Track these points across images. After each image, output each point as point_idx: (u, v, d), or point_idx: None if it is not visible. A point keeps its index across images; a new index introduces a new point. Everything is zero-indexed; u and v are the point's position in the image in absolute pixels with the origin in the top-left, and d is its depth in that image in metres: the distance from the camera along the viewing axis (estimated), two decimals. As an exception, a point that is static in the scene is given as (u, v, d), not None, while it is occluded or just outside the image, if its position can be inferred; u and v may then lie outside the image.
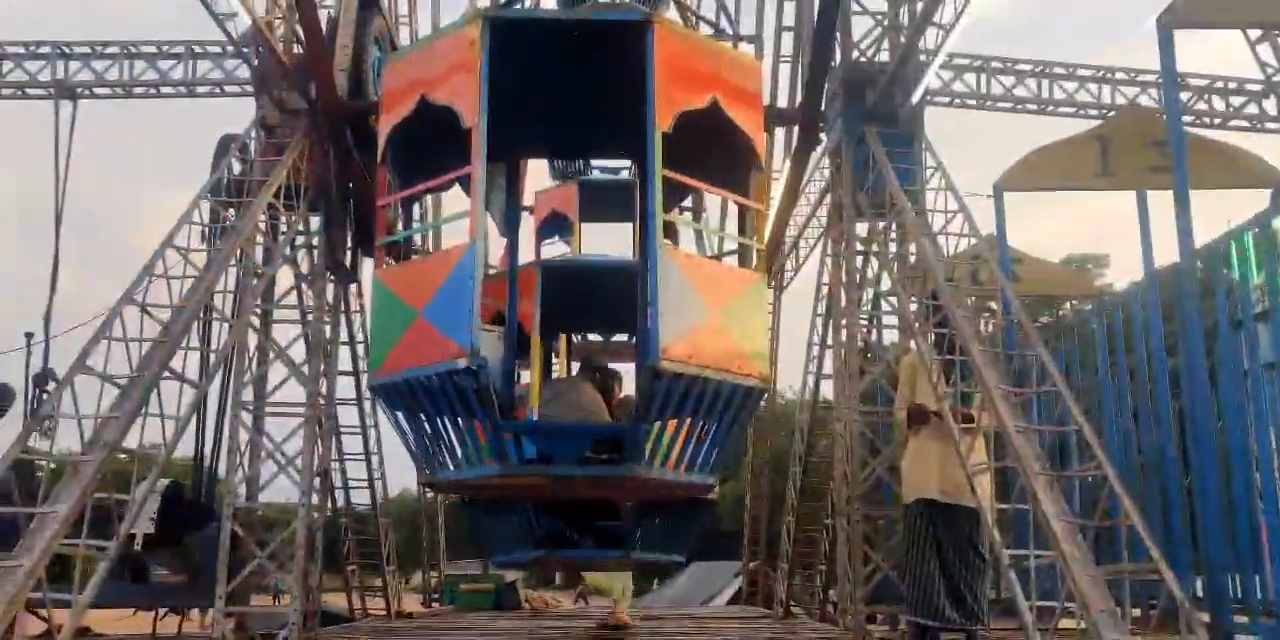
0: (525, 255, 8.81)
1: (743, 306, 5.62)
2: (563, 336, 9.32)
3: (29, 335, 7.38)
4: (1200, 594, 5.60)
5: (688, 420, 5.44)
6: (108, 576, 4.90)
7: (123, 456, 5.16)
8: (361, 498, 10.67)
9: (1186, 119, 11.31)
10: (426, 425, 5.55)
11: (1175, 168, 5.77)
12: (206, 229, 6.39)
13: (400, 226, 6.14)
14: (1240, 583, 5.50)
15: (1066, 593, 4.46)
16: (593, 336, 10.00)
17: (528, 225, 9.29)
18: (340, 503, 10.20)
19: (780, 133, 9.77)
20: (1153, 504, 5.86)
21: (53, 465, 5.06)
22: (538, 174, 11.37)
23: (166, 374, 5.36)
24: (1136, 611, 5.35)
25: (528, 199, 9.38)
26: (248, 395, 7.53)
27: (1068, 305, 12.13)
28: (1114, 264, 32.39)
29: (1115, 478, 4.75)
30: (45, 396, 7.00)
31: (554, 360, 9.16)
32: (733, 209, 8.11)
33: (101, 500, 4.81)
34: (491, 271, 7.25)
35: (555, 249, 10.78)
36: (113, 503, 4.87)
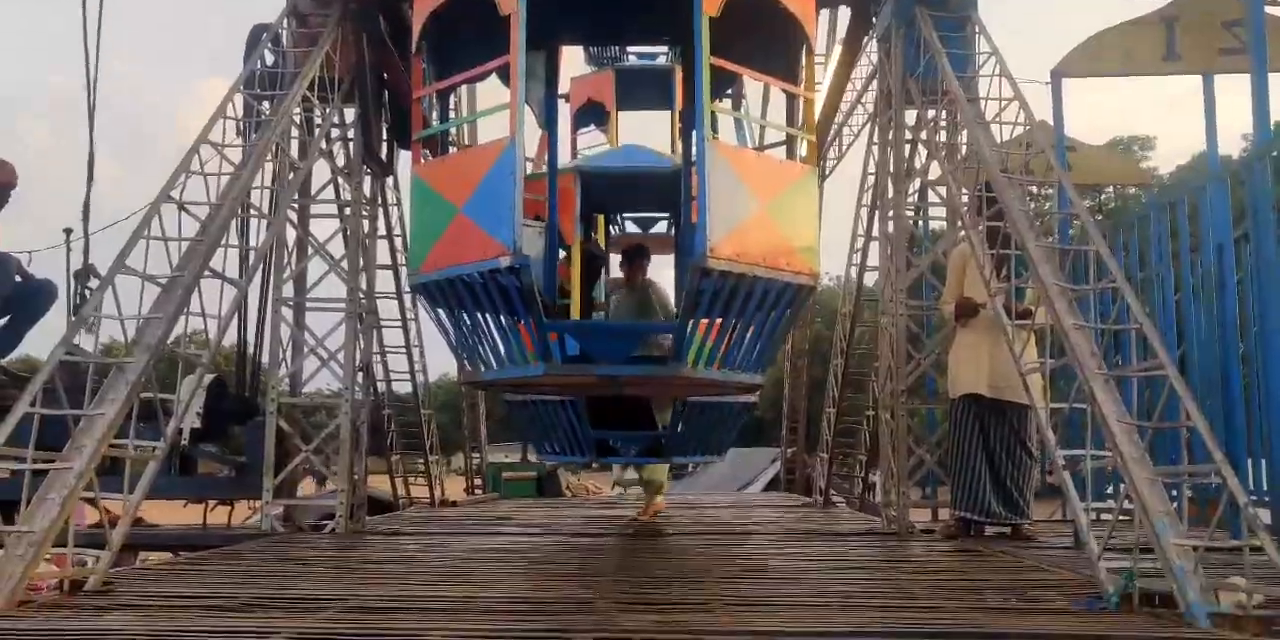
0: (562, 145, 8.64)
1: (792, 200, 5.45)
2: (601, 229, 9.19)
3: (68, 231, 7.33)
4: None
5: (735, 319, 5.33)
6: (159, 470, 4.94)
7: (168, 355, 5.14)
8: (404, 389, 10.80)
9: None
10: (468, 323, 5.48)
11: (1253, 48, 5.42)
12: (241, 123, 6.23)
13: (437, 120, 5.94)
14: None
15: (1123, 495, 4.38)
16: (632, 228, 9.84)
17: (564, 115, 9.07)
18: (384, 398, 10.32)
19: (824, 16, 9.39)
20: (1214, 406, 5.72)
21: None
22: (572, 62, 11.06)
23: (207, 273, 5.28)
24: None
25: (563, 87, 9.13)
26: (288, 291, 7.51)
27: (1109, 190, 11.80)
28: (1160, 146, 31.46)
29: (1176, 377, 4.59)
30: (87, 293, 6.98)
31: (600, 255, 9.04)
32: (775, 97, 7.85)
33: (148, 399, 4.80)
34: (530, 172, 7.12)
35: (591, 138, 10.56)
36: (159, 402, 4.86)
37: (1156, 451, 5.31)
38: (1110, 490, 5.69)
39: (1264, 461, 5.47)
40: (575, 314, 6.81)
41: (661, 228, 9.44)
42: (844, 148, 12.96)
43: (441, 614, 3.75)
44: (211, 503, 8.04)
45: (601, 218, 9.06)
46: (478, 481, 14.08)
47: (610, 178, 7.27)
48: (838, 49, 8.95)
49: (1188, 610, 3.72)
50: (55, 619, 3.63)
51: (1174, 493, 4.65)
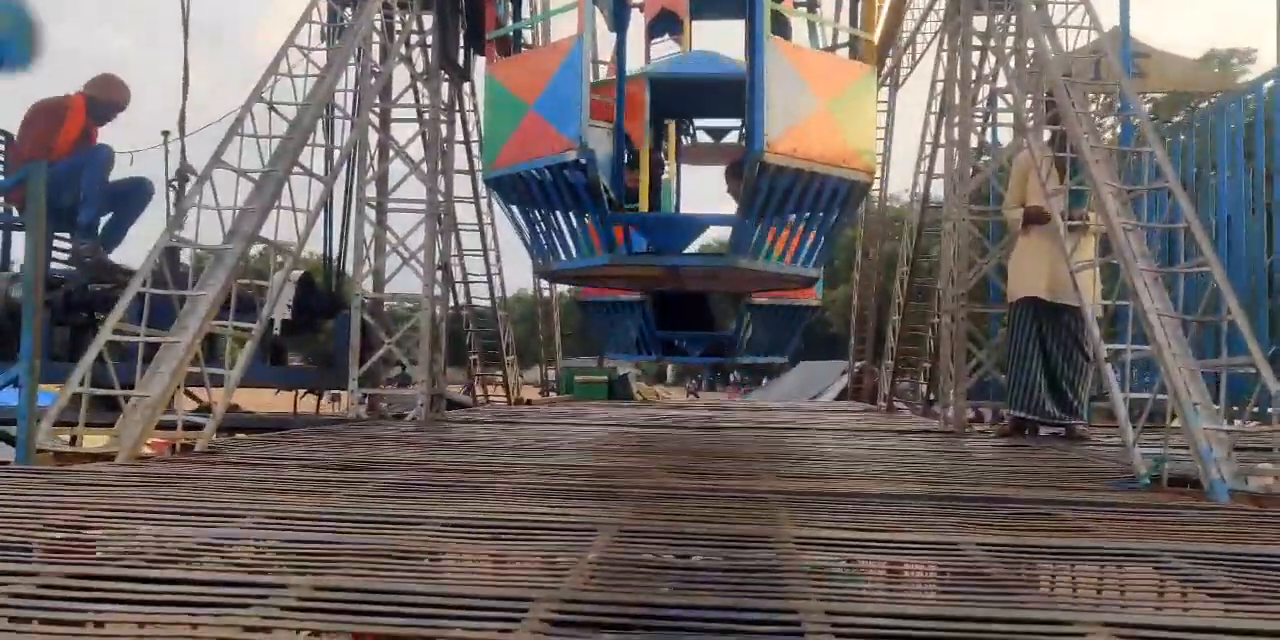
0: (635, 55, 8.73)
1: (851, 99, 5.58)
2: (671, 138, 9.34)
3: (165, 133, 7.73)
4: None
5: (792, 213, 5.53)
6: (252, 359, 5.37)
7: (260, 248, 5.53)
8: (480, 292, 11.19)
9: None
10: (540, 217, 5.77)
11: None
12: (325, 28, 6.52)
13: (510, 21, 6.16)
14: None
15: (1159, 385, 4.55)
16: (704, 138, 9.96)
17: (639, 23, 9.14)
18: (460, 298, 10.72)
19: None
20: (1260, 304, 5.80)
21: (197, 253, 5.46)
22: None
23: (296, 169, 5.63)
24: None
25: (637, -1, 9.19)
26: (370, 192, 7.87)
27: (1206, 104, 11.54)
28: (1261, 57, 30.14)
29: (1221, 274, 4.72)
30: (183, 190, 7.43)
31: (663, 163, 9.22)
32: (846, 3, 7.85)
33: (244, 286, 5.21)
34: (602, 77, 7.26)
35: (666, 48, 10.61)
36: (254, 288, 5.28)
37: (1207, 351, 5.44)
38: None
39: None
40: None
41: (733, 138, 9.54)
42: (917, 56, 12.83)
43: (511, 474, 4.14)
44: (300, 391, 8.57)
45: (672, 127, 9.20)
46: (553, 387, 14.57)
47: (679, 84, 7.38)
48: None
49: (1210, 489, 3.93)
50: (171, 467, 4.10)
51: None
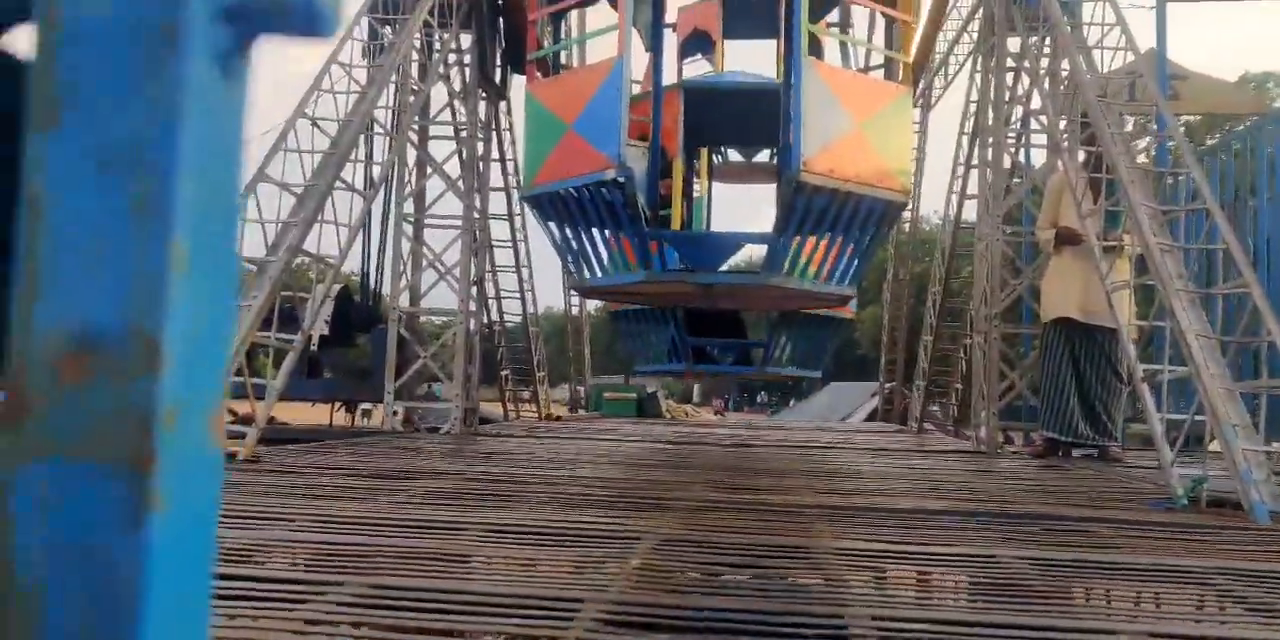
0: (669, 74, 8.81)
1: (886, 120, 5.63)
2: (704, 157, 9.41)
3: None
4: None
5: (828, 232, 5.57)
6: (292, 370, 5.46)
7: (302, 261, 5.62)
8: (512, 308, 11.27)
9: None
10: (576, 234, 5.84)
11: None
12: (367, 46, 6.65)
13: (549, 43, 6.27)
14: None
15: (1197, 406, 4.53)
16: (735, 156, 10.03)
17: (671, 43, 9.24)
18: (494, 313, 10.80)
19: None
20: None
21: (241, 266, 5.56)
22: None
23: (338, 184, 5.73)
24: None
25: (670, 17, 9.29)
26: (408, 208, 7.98)
27: (1242, 127, 11.49)
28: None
29: (1261, 295, 4.70)
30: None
31: (695, 180, 9.29)
32: (881, 25, 7.92)
33: (287, 297, 5.31)
34: (637, 93, 7.33)
35: (698, 67, 10.70)
36: (296, 300, 5.37)
37: (1245, 374, 5.43)
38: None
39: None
40: (676, 226, 7.10)
41: (764, 157, 9.60)
42: (950, 77, 12.87)
43: (549, 485, 4.18)
44: (337, 404, 8.67)
45: (705, 150, 9.28)
46: (583, 403, 14.63)
47: (713, 94, 7.43)
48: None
49: (1250, 509, 3.92)
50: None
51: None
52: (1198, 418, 4.53)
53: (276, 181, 5.46)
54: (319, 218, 5.52)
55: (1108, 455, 6.73)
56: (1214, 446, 4.35)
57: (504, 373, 11.27)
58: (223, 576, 2.13)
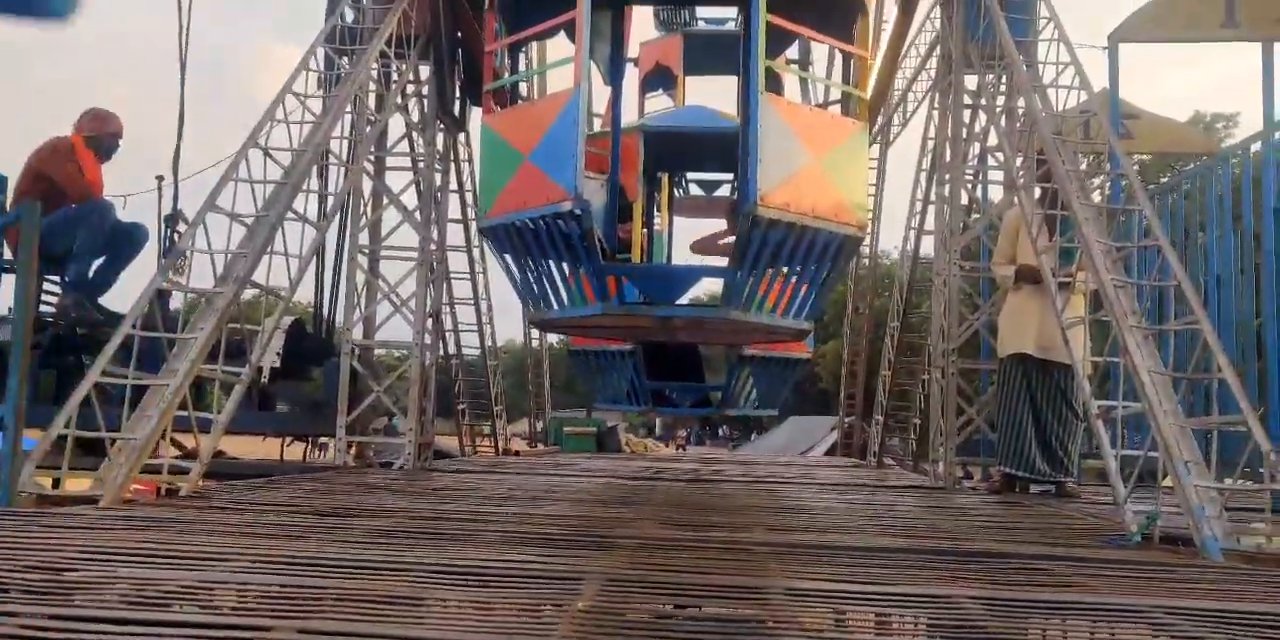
0: (629, 109, 8.85)
1: (843, 155, 5.64)
2: (665, 191, 9.42)
3: (159, 178, 7.76)
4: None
5: (785, 266, 5.55)
6: (240, 405, 5.34)
7: (251, 293, 5.53)
8: (471, 341, 11.18)
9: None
10: (533, 266, 5.78)
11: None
12: (323, 76, 6.60)
13: (507, 74, 6.24)
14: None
15: (1151, 442, 4.54)
16: (695, 190, 10.06)
17: (634, 78, 9.29)
18: (451, 347, 10.70)
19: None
20: (1250, 365, 5.81)
21: (189, 297, 5.44)
22: (644, 27, 11.22)
23: (290, 214, 5.65)
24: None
25: (633, 52, 9.34)
26: (364, 239, 7.89)
27: (1192, 165, 11.67)
28: (1245, 123, 30.67)
29: (1211, 332, 4.74)
30: (176, 235, 7.41)
31: (656, 215, 9.29)
32: (840, 61, 7.99)
33: (234, 330, 5.20)
34: (597, 130, 7.35)
35: (660, 102, 10.76)
36: (245, 333, 5.26)
37: (1196, 409, 5.45)
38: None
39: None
40: (636, 259, 7.07)
41: (725, 191, 9.64)
42: (908, 114, 13.03)
43: (499, 523, 4.10)
44: (288, 438, 8.51)
45: (666, 179, 9.29)
46: (541, 438, 14.52)
47: (673, 137, 7.47)
48: (894, 12, 9.05)
49: (1203, 546, 3.91)
50: (156, 510, 4.05)
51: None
52: (1152, 454, 4.54)
53: (226, 212, 5.37)
54: (269, 249, 5.43)
55: (1064, 491, 6.73)
56: (1168, 482, 4.35)
57: (461, 407, 11.15)
58: (140, 622, 2.04)
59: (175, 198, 7.62)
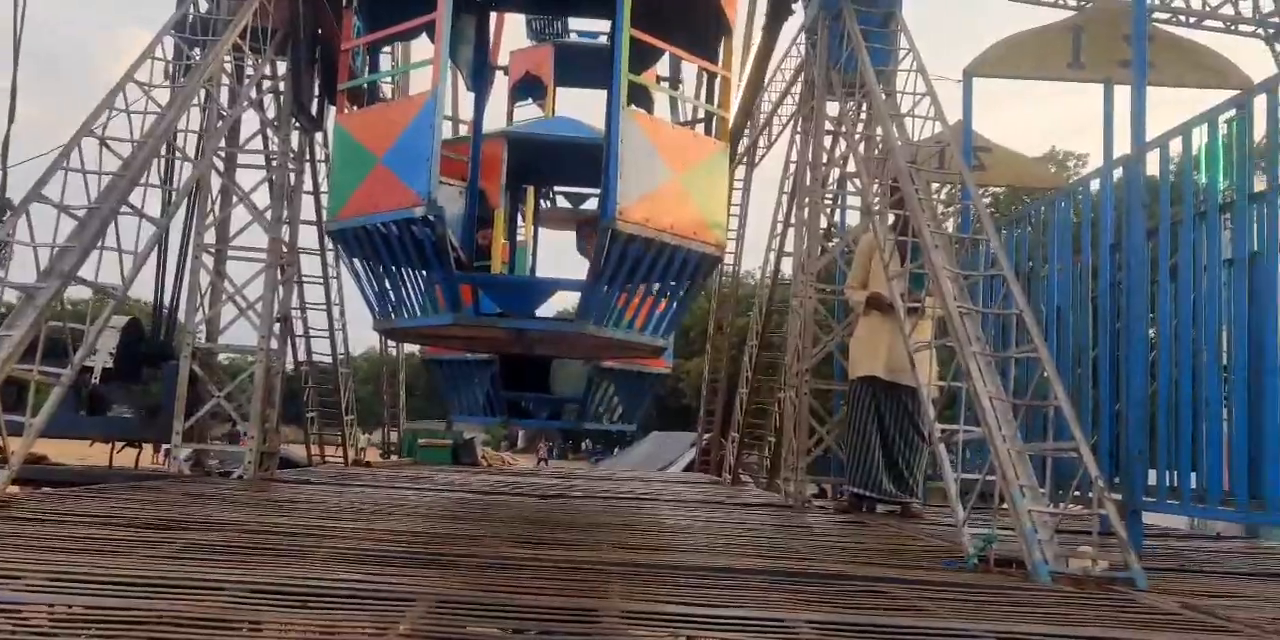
0: (498, 118, 8.73)
1: (704, 174, 5.64)
2: (530, 202, 9.32)
3: (-15, 163, 7.26)
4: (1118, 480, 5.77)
5: (643, 282, 5.52)
6: (67, 408, 5.01)
7: (78, 289, 5.20)
8: (322, 347, 10.83)
9: (1161, 16, 11.14)
10: (383, 272, 5.61)
11: (1134, 56, 5.67)
12: (170, 66, 6.28)
13: (366, 74, 6.06)
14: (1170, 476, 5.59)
15: (989, 466, 4.64)
16: (562, 202, 9.99)
17: (503, 86, 9.18)
18: (301, 352, 10.35)
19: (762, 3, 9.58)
20: (1085, 394, 6.01)
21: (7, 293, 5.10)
22: (517, 36, 11.10)
23: (125, 208, 5.35)
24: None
25: (503, 60, 9.24)
26: (210, 238, 7.55)
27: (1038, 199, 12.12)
28: (1093, 161, 32.37)
29: (1049, 360, 4.88)
30: (-1, 224, 6.94)
31: (519, 224, 9.18)
32: (705, 80, 8.05)
33: (57, 329, 4.88)
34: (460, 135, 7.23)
35: (530, 111, 10.66)
36: (68, 332, 4.94)
37: (1034, 434, 5.61)
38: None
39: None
40: (496, 270, 6.94)
41: (593, 204, 9.58)
42: (773, 138, 13.24)
43: (335, 538, 3.91)
44: (119, 444, 8.06)
45: (532, 191, 9.19)
46: (394, 449, 14.17)
47: (537, 145, 7.38)
48: (759, 35, 9.18)
49: (1033, 569, 4.00)
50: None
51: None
52: (990, 477, 4.64)
53: (54, 203, 5.04)
54: (101, 244, 5.12)
55: (909, 511, 6.86)
56: (1005, 504, 4.45)
57: (311, 414, 10.78)
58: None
59: (2, 187, 7.15)
